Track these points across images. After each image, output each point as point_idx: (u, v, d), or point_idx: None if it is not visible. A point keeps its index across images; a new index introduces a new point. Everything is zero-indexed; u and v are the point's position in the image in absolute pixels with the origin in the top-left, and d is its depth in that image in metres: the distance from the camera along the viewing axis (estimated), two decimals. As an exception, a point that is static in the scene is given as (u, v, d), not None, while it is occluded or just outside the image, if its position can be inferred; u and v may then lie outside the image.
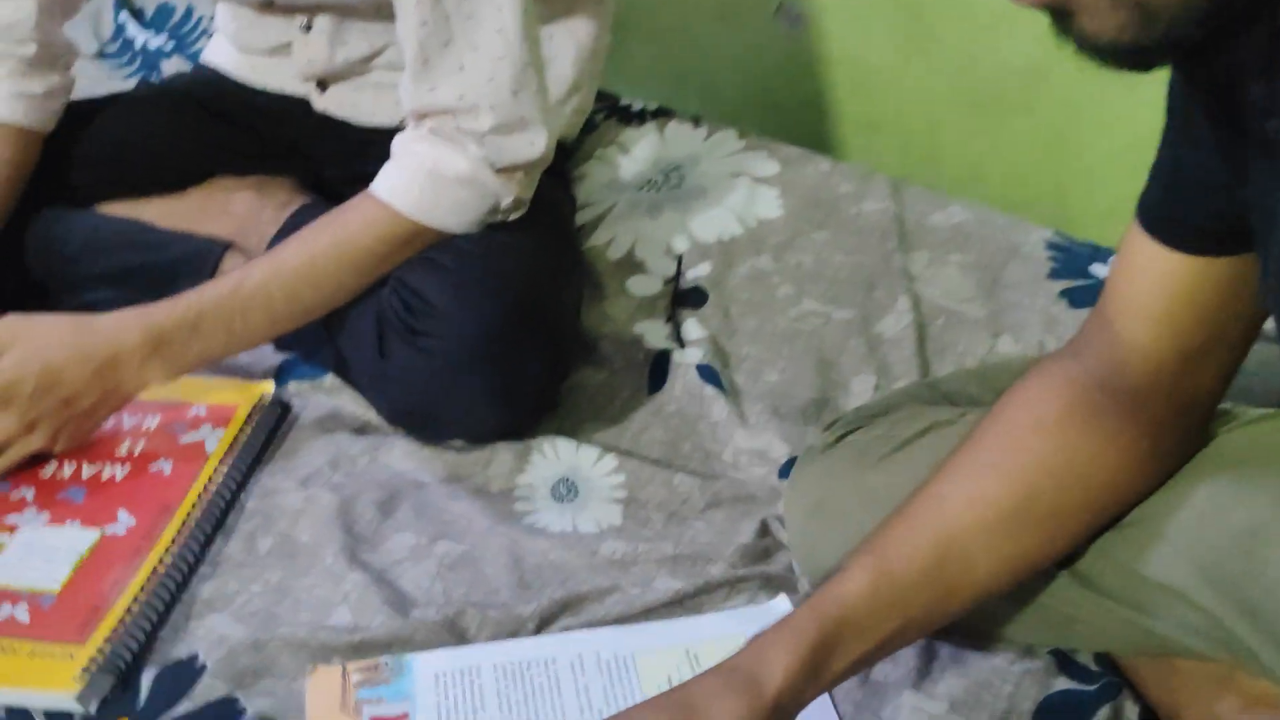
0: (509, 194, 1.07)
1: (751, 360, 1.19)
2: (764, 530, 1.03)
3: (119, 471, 1.08)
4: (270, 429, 1.13)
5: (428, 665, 0.92)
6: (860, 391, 1.16)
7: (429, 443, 1.10)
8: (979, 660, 0.91)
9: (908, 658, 0.91)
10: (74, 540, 1.01)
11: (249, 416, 1.12)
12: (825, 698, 0.86)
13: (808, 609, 0.77)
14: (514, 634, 0.94)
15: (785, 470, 1.08)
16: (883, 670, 0.90)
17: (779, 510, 1.05)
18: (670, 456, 1.11)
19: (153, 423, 1.13)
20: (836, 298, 1.25)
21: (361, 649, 0.92)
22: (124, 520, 1.03)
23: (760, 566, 1.00)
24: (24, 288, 1.20)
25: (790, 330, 1.22)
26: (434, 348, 1.04)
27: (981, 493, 0.80)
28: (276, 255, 1.05)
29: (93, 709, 0.88)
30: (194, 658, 0.92)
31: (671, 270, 1.29)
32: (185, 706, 0.88)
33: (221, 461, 1.08)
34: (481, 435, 1.09)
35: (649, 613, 0.96)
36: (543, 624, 0.95)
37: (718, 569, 0.99)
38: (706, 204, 1.35)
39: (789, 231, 1.32)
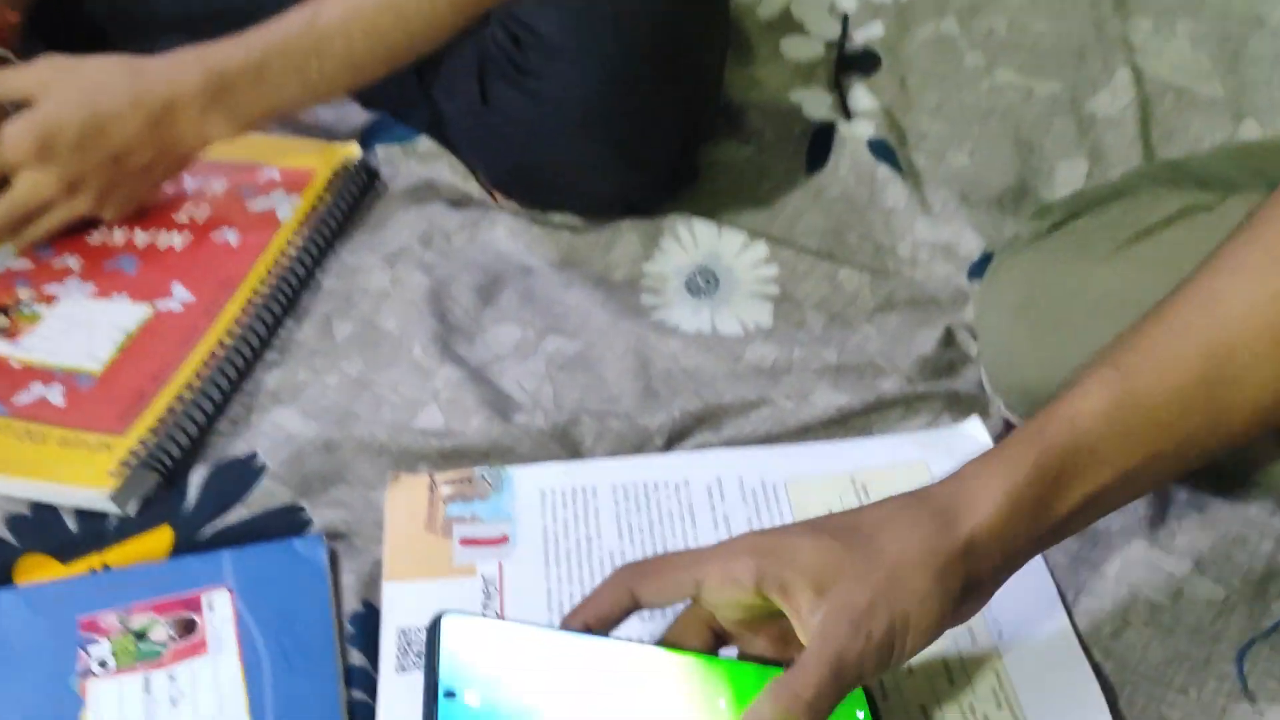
0: None
1: (934, 139, 0.97)
2: (948, 340, 0.84)
3: (177, 240, 0.91)
4: (354, 198, 0.95)
5: (533, 481, 0.75)
6: (1069, 179, 0.94)
7: (539, 218, 0.91)
8: (1227, 511, 0.72)
9: (1134, 504, 0.71)
10: (121, 316, 0.85)
11: (330, 182, 0.94)
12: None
13: (1025, 432, 0.58)
14: (638, 449, 0.76)
15: (977, 269, 0.87)
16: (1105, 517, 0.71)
17: (968, 317, 0.85)
18: (833, 249, 0.91)
19: (219, 187, 0.96)
20: (1038, 69, 1.02)
21: (453, 457, 0.76)
22: (180, 295, 0.86)
23: (944, 382, 0.81)
24: (83, 35, 1.02)
25: (982, 106, 1.00)
26: (545, 92, 0.84)
27: (1271, 294, 0.59)
28: None
29: (131, 510, 0.73)
30: (252, 457, 0.76)
31: (835, 32, 1.07)
32: (239, 513, 0.73)
33: (296, 233, 0.91)
34: (601, 205, 0.90)
35: (805, 432, 0.77)
36: (673, 439, 0.77)
37: (891, 383, 0.80)
38: (879, -44, 1.12)
39: (981, -11, 1.08)
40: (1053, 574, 0.68)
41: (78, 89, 0.86)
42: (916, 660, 0.61)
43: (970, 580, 0.54)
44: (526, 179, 0.90)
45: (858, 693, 0.57)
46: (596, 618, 0.56)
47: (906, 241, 0.91)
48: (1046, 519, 0.56)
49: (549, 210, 0.91)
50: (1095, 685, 0.63)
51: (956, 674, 0.64)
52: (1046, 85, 1.01)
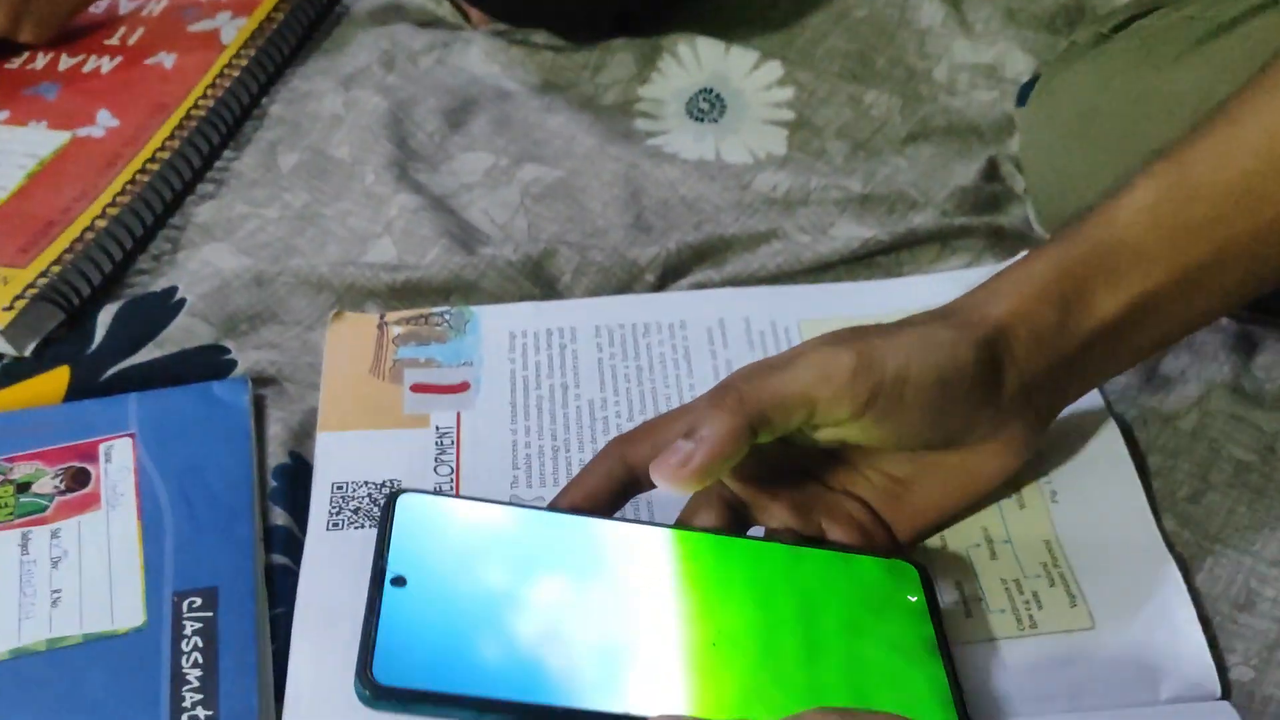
0: None
1: (977, -50, 0.84)
2: (991, 171, 0.72)
3: (106, 64, 0.80)
4: (309, 18, 0.83)
5: (500, 321, 0.63)
6: (1135, -5, 0.81)
7: (519, 38, 0.79)
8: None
9: (1213, 344, 0.59)
10: (34, 143, 0.74)
11: (281, 1, 0.82)
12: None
13: (1059, 232, 0.50)
14: (626, 287, 0.65)
15: (1027, 93, 0.75)
16: (1177, 359, 0.59)
17: (1015, 148, 0.72)
18: (860, 74, 0.78)
19: (156, 7, 0.84)
20: None
21: (407, 294, 0.64)
22: (104, 121, 0.75)
23: (986, 217, 0.68)
24: None
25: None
26: None
27: None
28: None
29: (26, 350, 0.63)
30: (171, 291, 0.65)
31: None
32: (150, 352, 0.61)
33: (239, 55, 0.79)
34: (587, 17, 0.77)
35: (824, 270, 0.66)
36: (668, 276, 0.65)
37: (925, 216, 0.68)
38: None
39: None
40: (1119, 425, 0.56)
41: None
42: (952, 530, 0.52)
43: (998, 367, 0.47)
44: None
45: (911, 573, 0.48)
46: (585, 495, 0.46)
47: (943, 65, 0.78)
48: (1089, 318, 0.48)
49: (529, 27, 0.79)
50: (1169, 557, 0.52)
51: (1000, 545, 0.53)
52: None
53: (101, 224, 0.67)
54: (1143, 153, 0.56)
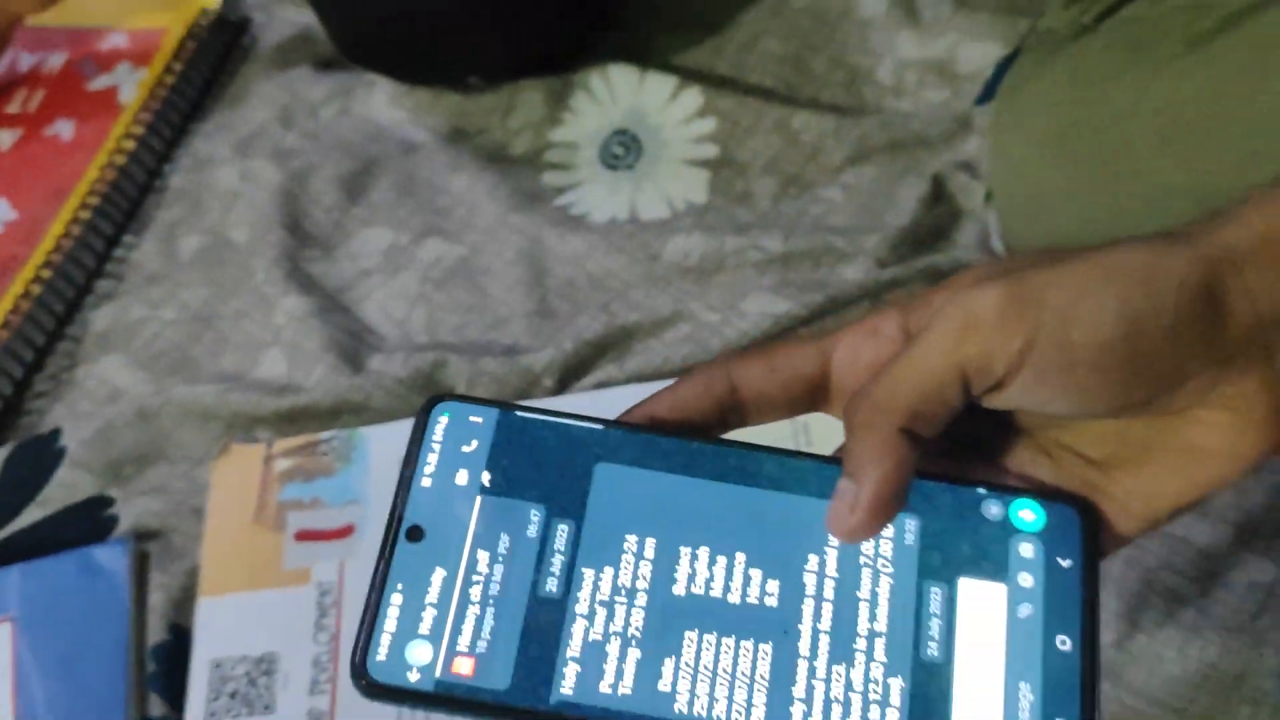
0: None
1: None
2: (936, 194, 0.64)
3: (6, 139, 0.76)
4: (211, 64, 0.78)
5: (388, 445, 0.60)
6: (1112, -41, 0.71)
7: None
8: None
9: None
10: (-69, 246, 0.71)
11: (182, 47, 0.77)
12: None
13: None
14: (523, 394, 0.61)
15: (990, 91, 0.67)
16: None
17: (969, 151, 0.65)
18: (794, 82, 0.70)
19: (56, 62, 0.80)
20: None
21: (295, 419, 0.61)
22: (2, 214, 0.72)
23: (924, 258, 0.62)
24: None
25: None
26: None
27: None
28: None
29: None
30: (55, 435, 0.63)
31: None
32: (32, 514, 0.60)
33: (136, 121, 0.74)
34: (491, 71, 0.71)
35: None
36: (566, 378, 0.61)
37: (854, 270, 0.62)
38: None
39: None
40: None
41: None
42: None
43: (1219, 298, 0.32)
44: (394, 42, 0.70)
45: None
46: (672, 405, 0.35)
47: (887, 62, 0.70)
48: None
49: (426, 85, 0.72)
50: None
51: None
52: None
53: (-6, 349, 0.65)
54: (1135, 171, 0.48)
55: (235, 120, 0.74)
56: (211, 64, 0.78)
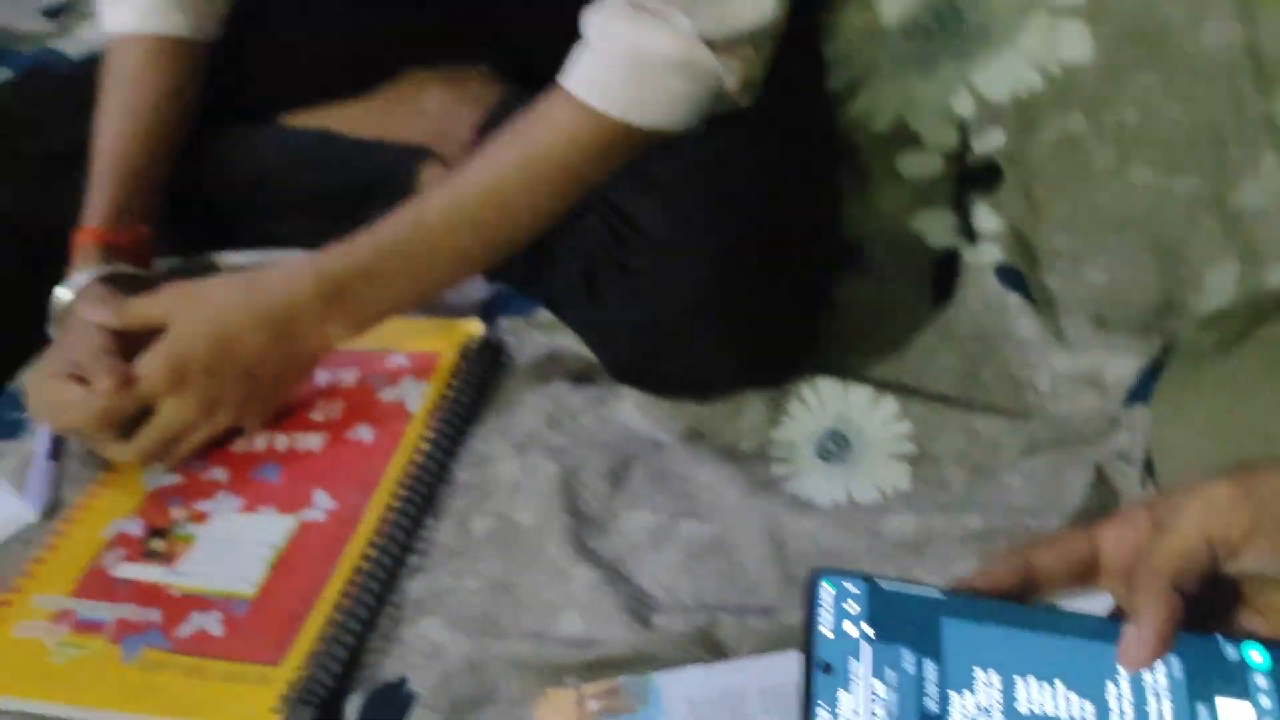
0: (733, 75, 0.84)
1: (1067, 256, 0.93)
2: (1099, 479, 0.80)
3: (315, 442, 0.93)
4: (480, 379, 0.96)
5: (678, 688, 0.74)
6: (1219, 287, 0.90)
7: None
8: None
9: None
10: (269, 531, 0.87)
11: (456, 366, 0.96)
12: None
13: None
14: (783, 646, 0.75)
15: (1140, 392, 0.83)
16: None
17: (1121, 443, 0.80)
18: (967, 390, 0.88)
19: (349, 379, 0.98)
20: (1176, 163, 0.96)
21: (596, 667, 0.75)
22: (321, 504, 0.88)
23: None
24: (202, 221, 1.06)
25: (1116, 211, 0.95)
26: (653, 289, 0.84)
27: None
28: (458, 181, 0.87)
29: (289, 753, 0.75)
30: (402, 683, 0.77)
31: (954, 141, 1.03)
32: (395, 750, 0.74)
33: (427, 425, 0.92)
34: (720, 390, 0.89)
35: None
36: (818, 632, 0.75)
37: (1042, 546, 0.77)
38: (993, 50, 1.07)
39: (1105, 78, 1.02)
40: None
41: (201, 313, 0.88)
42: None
43: None
44: (641, 370, 0.89)
45: None
46: (987, 581, 0.49)
47: (1044, 374, 0.87)
48: None
49: (667, 397, 0.90)
50: None
51: None
52: (1185, 181, 0.95)
53: (336, 617, 0.80)
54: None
55: (506, 424, 0.92)
56: (480, 377, 0.96)
